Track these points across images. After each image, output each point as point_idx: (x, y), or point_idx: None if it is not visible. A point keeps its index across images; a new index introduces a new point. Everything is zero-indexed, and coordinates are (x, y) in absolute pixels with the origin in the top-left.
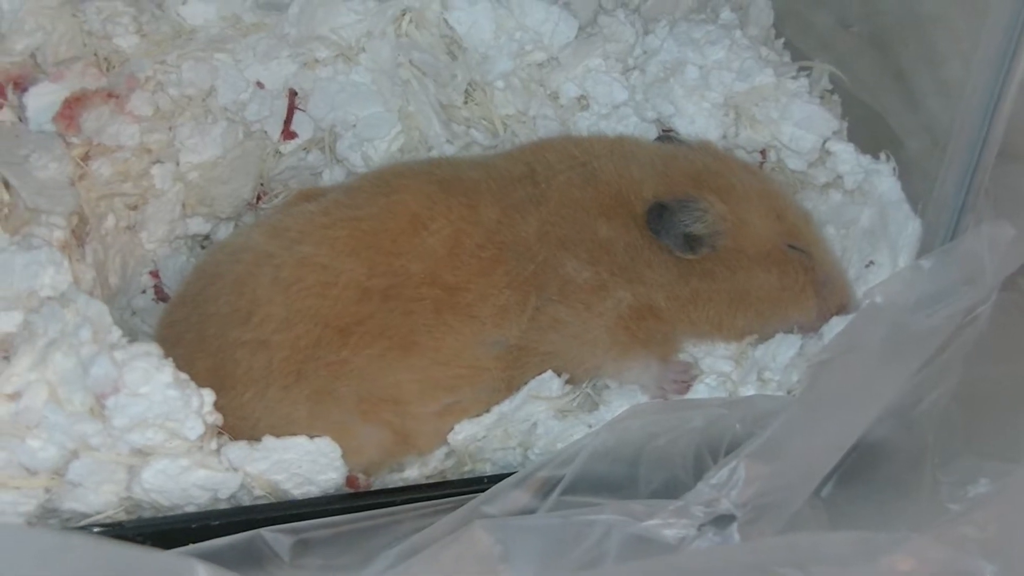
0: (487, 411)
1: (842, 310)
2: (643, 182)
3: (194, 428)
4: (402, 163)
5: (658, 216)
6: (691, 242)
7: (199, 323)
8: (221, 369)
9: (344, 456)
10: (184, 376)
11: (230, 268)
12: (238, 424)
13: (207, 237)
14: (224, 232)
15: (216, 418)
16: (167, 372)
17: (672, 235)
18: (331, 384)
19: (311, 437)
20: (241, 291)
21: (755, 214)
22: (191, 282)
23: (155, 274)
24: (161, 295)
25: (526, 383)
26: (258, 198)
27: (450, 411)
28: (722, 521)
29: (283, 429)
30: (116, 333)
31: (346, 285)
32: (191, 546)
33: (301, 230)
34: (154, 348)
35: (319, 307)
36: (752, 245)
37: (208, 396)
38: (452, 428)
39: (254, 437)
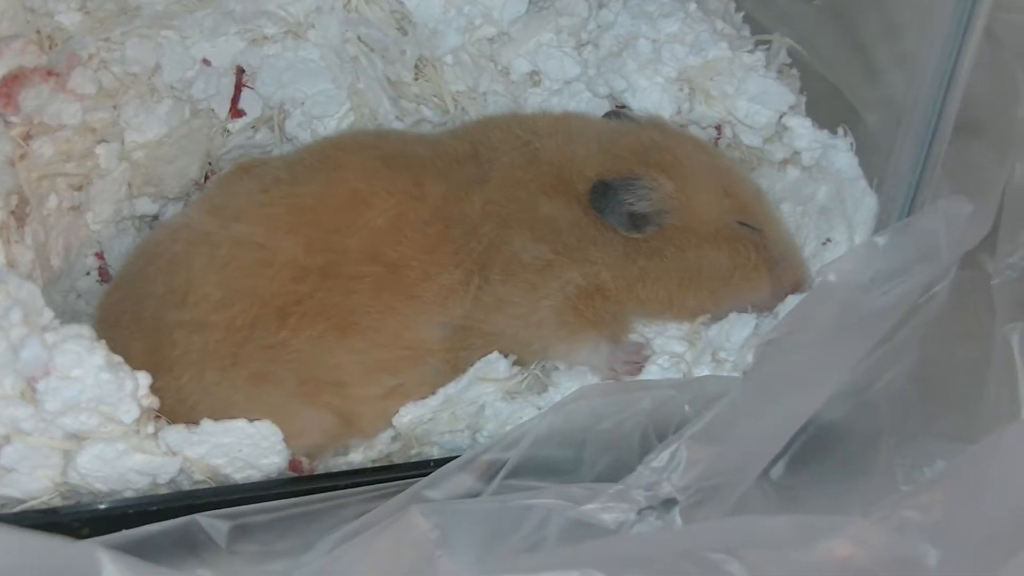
0: (433, 393)
1: (796, 288)
2: (587, 160)
3: (129, 412)
4: (348, 134)
5: (602, 194)
6: (636, 220)
7: (136, 304)
8: (158, 351)
9: (286, 440)
10: (117, 359)
11: (168, 248)
12: (176, 407)
13: (155, 217)
14: (172, 212)
15: (152, 401)
16: (99, 355)
17: (616, 214)
18: (270, 367)
19: (251, 421)
20: (177, 271)
21: (703, 191)
22: (130, 262)
23: (100, 255)
24: (106, 277)
25: (473, 365)
26: (206, 177)
27: (394, 393)
28: (664, 505)
29: (222, 413)
30: (48, 315)
31: (283, 264)
32: (124, 532)
33: (239, 208)
34: (86, 330)
35: (256, 287)
36: (700, 223)
37: (143, 379)
38: (397, 411)
39: (193, 421)
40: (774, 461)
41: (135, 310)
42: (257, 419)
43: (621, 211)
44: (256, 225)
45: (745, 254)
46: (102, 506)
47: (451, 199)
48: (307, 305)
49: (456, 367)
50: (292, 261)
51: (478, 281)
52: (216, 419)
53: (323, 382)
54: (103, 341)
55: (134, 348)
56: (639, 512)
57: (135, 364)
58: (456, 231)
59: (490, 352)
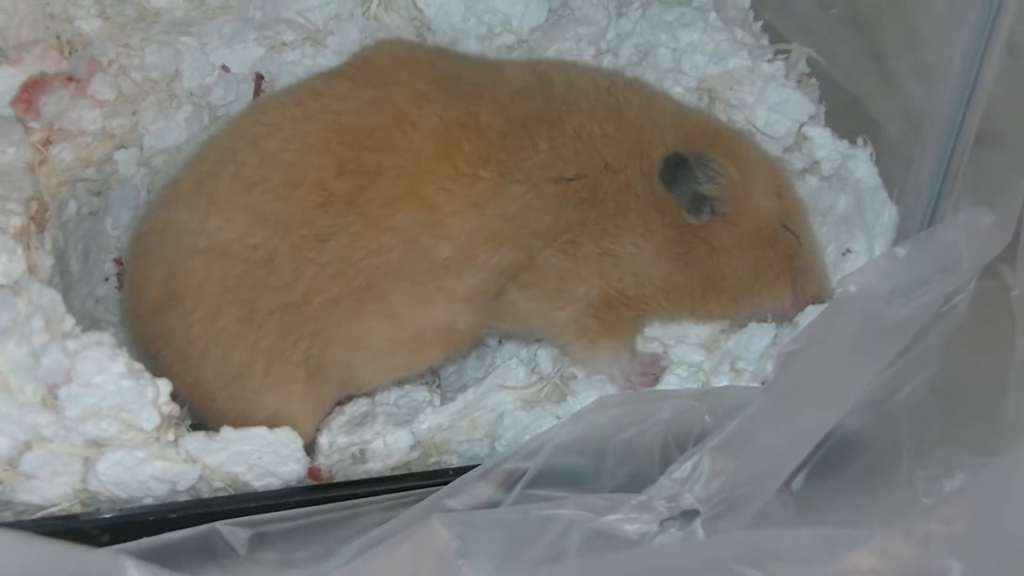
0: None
1: (817, 300)
2: (665, 129)
3: (150, 419)
4: (401, 43)
5: (674, 166)
6: (697, 202)
7: (160, 232)
8: (174, 279)
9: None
10: (139, 366)
11: (193, 170)
12: (185, 351)
13: None
14: None
15: (172, 408)
16: (120, 362)
17: (683, 190)
18: (284, 343)
19: (271, 428)
20: (200, 192)
21: (760, 188)
22: (159, 191)
23: (119, 262)
24: (124, 283)
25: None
26: None
27: (407, 368)
28: (686, 516)
29: (228, 370)
30: (69, 322)
31: (312, 185)
32: (143, 540)
33: (270, 124)
34: (107, 337)
35: (280, 212)
36: (749, 218)
37: (164, 386)
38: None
39: (198, 368)
40: (794, 472)
41: (159, 239)
42: (261, 397)
43: (689, 188)
44: (289, 141)
45: (772, 260)
46: (122, 513)
47: (511, 139)
48: (325, 251)
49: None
50: (320, 183)
51: (509, 277)
52: (218, 374)
53: (335, 365)
54: (124, 348)
55: (154, 278)
56: (661, 523)
57: (153, 296)
58: (514, 187)
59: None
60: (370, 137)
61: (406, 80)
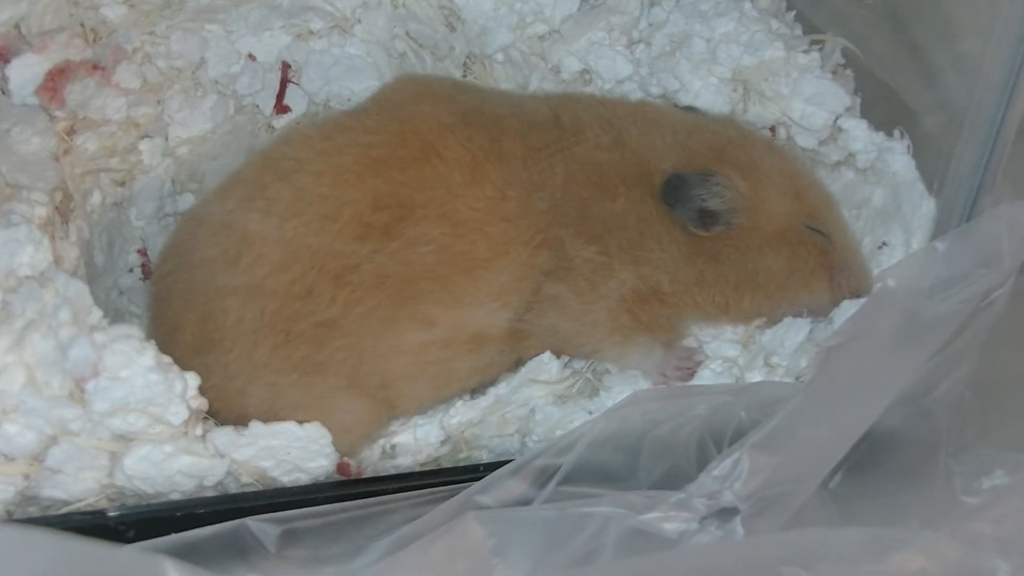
0: (483, 393)
1: (856, 295)
2: (665, 152)
3: (178, 413)
4: (420, 80)
5: (675, 188)
6: (706, 218)
7: (189, 271)
8: (209, 320)
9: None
10: (167, 359)
11: (219, 207)
12: (225, 388)
13: None
14: None
15: (201, 403)
16: (149, 355)
17: (687, 209)
18: (320, 354)
19: (300, 423)
20: (231, 230)
21: (775, 193)
22: (180, 228)
23: (143, 252)
24: (148, 274)
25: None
26: None
27: (445, 384)
28: (725, 514)
29: (269, 400)
30: (97, 314)
31: (349, 219)
32: (171, 536)
33: (299, 158)
34: (135, 330)
35: (317, 245)
36: (768, 224)
37: (192, 380)
38: (444, 395)
39: (241, 404)
40: (832, 469)
41: (188, 278)
42: (304, 415)
43: (693, 206)
44: (321, 176)
45: (805, 257)
46: (148, 508)
47: (532, 164)
48: (363, 272)
49: (510, 361)
50: (357, 216)
51: (542, 273)
52: (263, 407)
53: (372, 375)
54: (152, 341)
55: (188, 320)
56: (700, 521)
57: (188, 339)
58: (539, 203)
59: (543, 350)
60: (402, 171)
61: (429, 113)
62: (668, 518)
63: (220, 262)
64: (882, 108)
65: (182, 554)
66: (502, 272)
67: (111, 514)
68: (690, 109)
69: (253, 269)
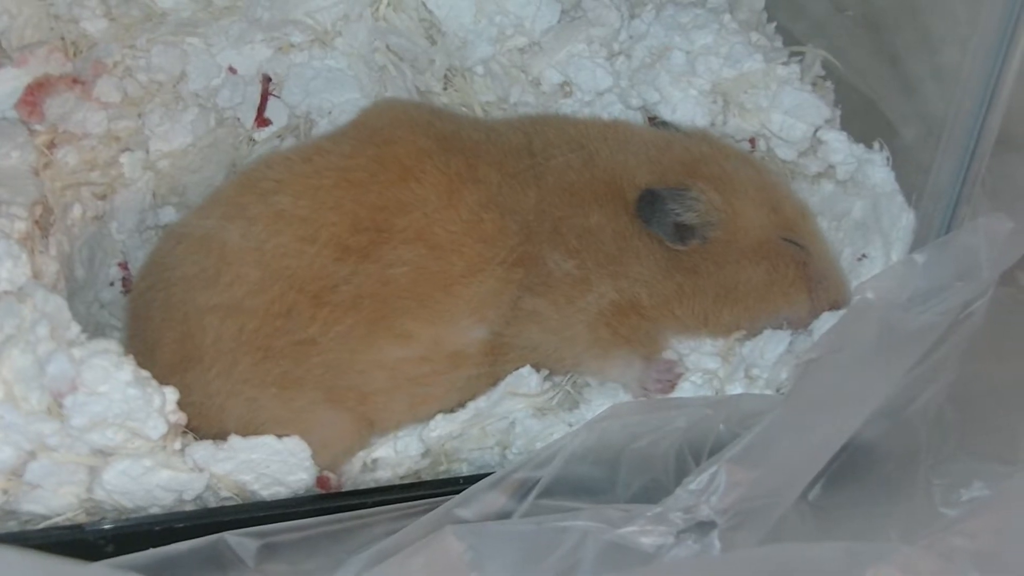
0: (462, 406)
1: (835, 307)
2: (637, 169)
3: (156, 427)
4: (397, 105)
5: (649, 203)
6: (682, 232)
7: (166, 289)
8: (188, 339)
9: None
10: (145, 374)
11: (198, 225)
12: (204, 406)
13: None
14: None
15: (179, 417)
16: (127, 370)
17: (662, 224)
18: (298, 369)
19: (279, 437)
20: (209, 249)
21: (749, 205)
22: (159, 246)
23: (124, 265)
24: (129, 287)
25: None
26: None
27: (423, 400)
28: (702, 528)
29: (249, 415)
30: (75, 329)
31: (327, 241)
32: (150, 550)
33: (278, 180)
34: (113, 345)
35: (295, 267)
36: (744, 237)
37: (170, 394)
38: (423, 412)
39: (220, 421)
40: (811, 482)
41: (165, 296)
42: (284, 429)
43: (667, 221)
44: (300, 198)
45: (783, 270)
46: (127, 523)
47: (506, 188)
48: (342, 293)
49: (488, 379)
50: (335, 238)
51: (520, 289)
52: (242, 422)
53: (350, 389)
54: (130, 356)
55: (165, 338)
56: (677, 535)
57: (167, 356)
58: (512, 224)
59: (522, 366)
60: (380, 195)
61: (407, 137)
62: (645, 532)
63: (199, 280)
64: (862, 120)
65: (161, 568)
66: (479, 287)
67: (90, 529)
68: (663, 124)
69: (232, 288)
